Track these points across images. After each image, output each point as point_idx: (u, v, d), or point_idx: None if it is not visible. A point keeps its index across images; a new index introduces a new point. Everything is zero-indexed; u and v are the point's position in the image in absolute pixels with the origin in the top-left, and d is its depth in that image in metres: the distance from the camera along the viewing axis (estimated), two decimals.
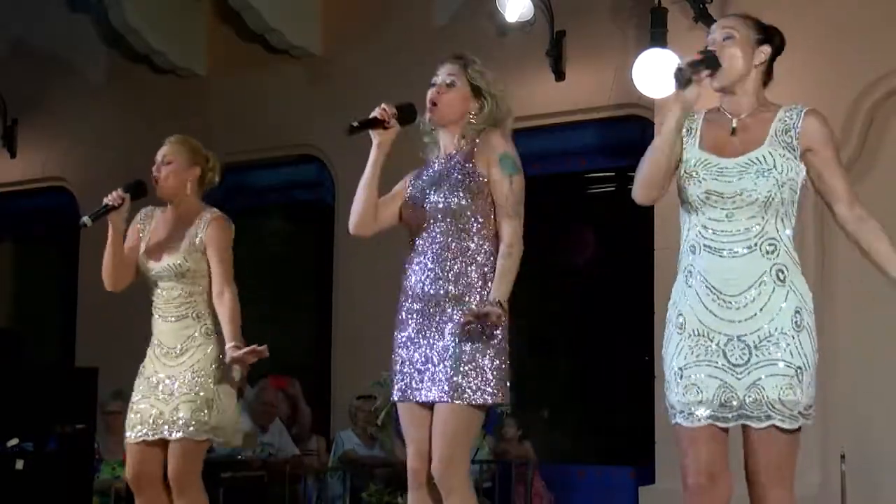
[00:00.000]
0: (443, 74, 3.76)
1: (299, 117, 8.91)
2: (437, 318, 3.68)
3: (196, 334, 4.43)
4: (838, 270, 6.81)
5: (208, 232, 4.47)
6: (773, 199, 3.30)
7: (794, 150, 3.35)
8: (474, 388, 3.61)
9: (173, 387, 4.39)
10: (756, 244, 3.30)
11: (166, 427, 4.36)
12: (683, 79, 3.33)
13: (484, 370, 3.63)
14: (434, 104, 3.74)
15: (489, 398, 3.63)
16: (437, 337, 3.67)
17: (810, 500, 6.40)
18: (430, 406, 3.68)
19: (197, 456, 4.41)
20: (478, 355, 3.63)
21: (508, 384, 3.69)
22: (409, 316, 3.74)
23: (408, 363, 3.72)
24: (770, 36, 3.46)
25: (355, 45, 8.70)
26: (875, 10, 6.74)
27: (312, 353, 9.48)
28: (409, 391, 3.71)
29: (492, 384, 3.63)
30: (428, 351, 3.68)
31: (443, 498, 3.63)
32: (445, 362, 3.63)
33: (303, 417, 8.24)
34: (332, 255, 8.87)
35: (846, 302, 6.78)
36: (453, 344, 3.63)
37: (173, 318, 4.47)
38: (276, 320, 9.56)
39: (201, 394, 4.37)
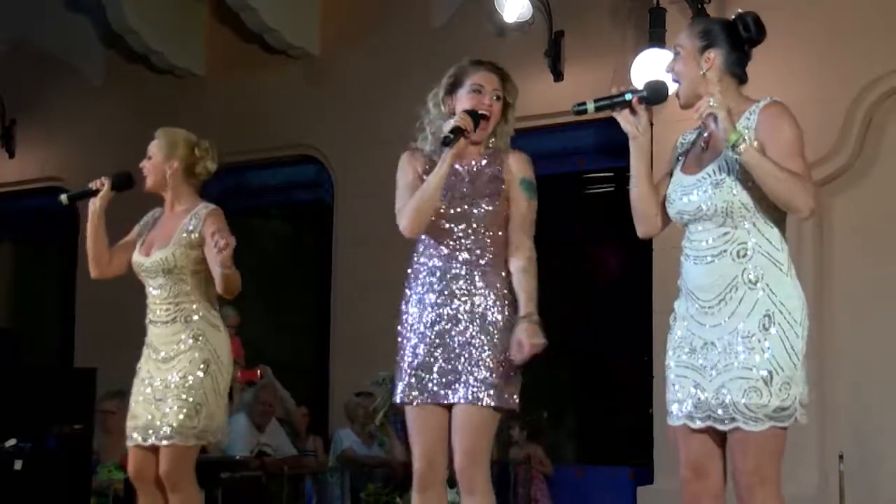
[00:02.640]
0: (490, 86, 3.81)
1: (298, 117, 8.92)
2: (452, 321, 3.69)
3: (184, 338, 4.43)
4: (836, 273, 6.83)
5: (206, 226, 4.44)
6: (732, 207, 3.28)
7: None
8: (494, 391, 3.63)
9: (164, 391, 4.41)
10: (726, 250, 3.32)
11: (155, 434, 4.39)
12: (583, 111, 3.52)
13: (502, 374, 3.65)
14: (488, 117, 3.79)
15: (507, 402, 3.67)
16: (452, 340, 3.68)
17: (808, 500, 6.41)
18: (445, 409, 3.69)
19: (187, 457, 4.43)
20: (496, 360, 3.66)
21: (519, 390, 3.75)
22: (422, 319, 3.74)
23: (422, 366, 3.71)
24: (714, 41, 3.40)
25: (354, 46, 8.70)
26: (872, 11, 6.75)
27: (311, 353, 9.49)
28: (422, 394, 3.70)
29: (509, 388, 3.68)
30: (444, 354, 3.68)
31: (462, 497, 3.65)
32: (464, 366, 3.65)
33: (287, 403, 8.12)
34: (331, 255, 8.87)
35: (844, 303, 6.79)
36: (471, 347, 3.66)
37: (163, 322, 4.47)
38: (274, 320, 9.57)
39: (190, 399, 4.38)
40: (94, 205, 4.60)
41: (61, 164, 10.08)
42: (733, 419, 3.26)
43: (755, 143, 3.21)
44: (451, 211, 3.74)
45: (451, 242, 3.74)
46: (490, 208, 3.74)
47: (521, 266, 3.73)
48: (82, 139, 9.93)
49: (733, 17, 3.46)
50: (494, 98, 3.80)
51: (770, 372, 3.24)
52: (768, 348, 3.25)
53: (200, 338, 4.44)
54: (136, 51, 9.33)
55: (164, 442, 4.37)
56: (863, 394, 6.71)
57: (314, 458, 7.96)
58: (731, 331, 3.29)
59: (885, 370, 6.65)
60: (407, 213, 3.72)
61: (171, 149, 4.55)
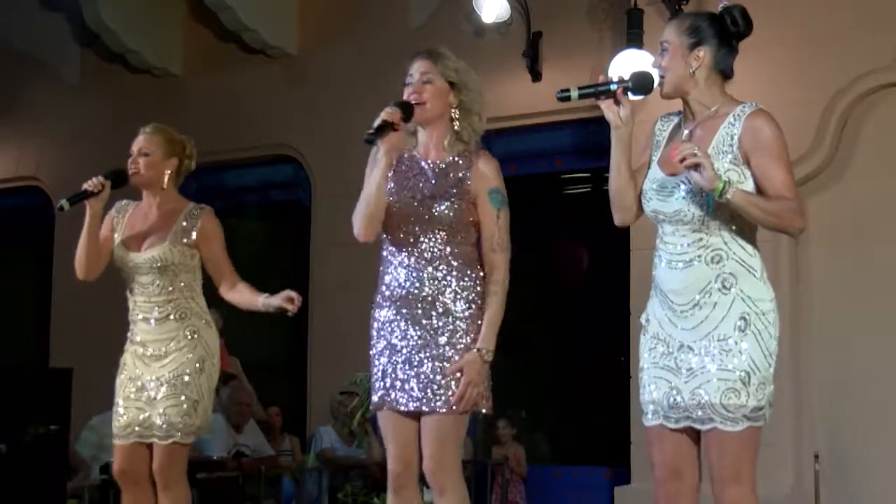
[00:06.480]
0: (417, 73, 3.72)
1: (276, 117, 8.90)
2: (419, 326, 3.66)
3: (179, 336, 4.42)
4: (812, 273, 6.86)
5: (204, 226, 4.46)
6: (709, 215, 3.30)
7: (737, 159, 3.31)
8: (454, 397, 3.60)
9: (158, 391, 4.39)
10: (701, 256, 3.33)
11: (154, 433, 4.38)
12: (567, 98, 3.40)
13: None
14: (422, 103, 3.68)
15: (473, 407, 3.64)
16: (418, 345, 3.66)
17: (784, 500, 6.44)
18: (412, 413, 3.67)
19: (183, 454, 4.45)
20: (458, 366, 3.62)
21: (491, 390, 3.71)
22: (388, 323, 3.71)
23: (389, 371, 3.69)
24: (703, 38, 3.38)
25: (332, 45, 8.69)
26: (848, 13, 6.78)
27: (288, 352, 9.47)
28: (390, 399, 3.69)
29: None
30: (409, 359, 3.65)
31: (434, 498, 3.65)
32: (427, 371, 3.62)
33: (250, 398, 8.05)
34: (308, 254, 8.86)
35: (820, 303, 6.83)
36: (435, 352, 3.63)
37: (155, 320, 4.43)
38: (251, 320, 9.52)
39: (188, 398, 4.39)
40: (94, 207, 4.41)
41: (37, 164, 10.03)
42: (711, 419, 3.28)
43: (735, 185, 3.20)
44: (411, 210, 3.67)
45: (415, 245, 3.67)
46: (452, 211, 3.65)
47: (489, 290, 3.66)
48: (58, 139, 9.88)
49: (720, 9, 3.42)
50: (422, 82, 3.69)
51: (748, 373, 3.26)
52: (745, 349, 3.28)
53: (195, 335, 4.44)
54: (112, 50, 9.29)
55: (164, 442, 4.36)
56: (839, 394, 6.74)
57: (291, 458, 7.94)
58: (707, 334, 3.31)
59: (861, 370, 6.69)
60: (356, 217, 3.69)
61: (172, 146, 4.54)
